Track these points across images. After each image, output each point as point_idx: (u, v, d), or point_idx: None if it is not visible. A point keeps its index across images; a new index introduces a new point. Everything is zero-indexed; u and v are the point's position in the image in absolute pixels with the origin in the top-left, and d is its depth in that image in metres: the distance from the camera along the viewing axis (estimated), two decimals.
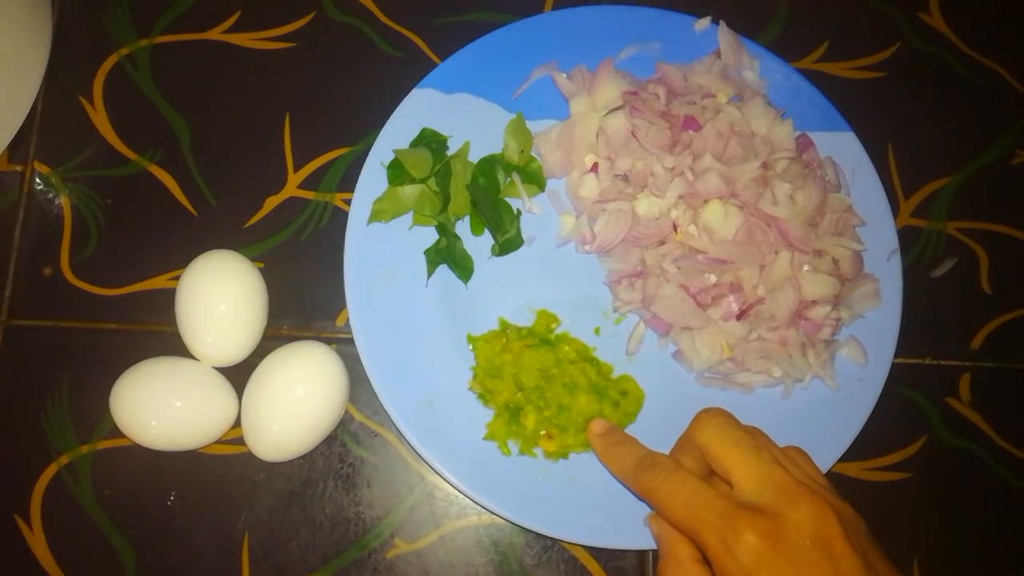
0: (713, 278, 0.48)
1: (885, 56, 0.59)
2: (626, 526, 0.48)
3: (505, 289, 0.52)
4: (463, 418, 0.49)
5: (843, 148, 0.53)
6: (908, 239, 0.55)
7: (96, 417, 0.51)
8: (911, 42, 0.59)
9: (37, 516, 0.49)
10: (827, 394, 0.50)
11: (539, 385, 0.50)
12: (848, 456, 0.50)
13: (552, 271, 0.52)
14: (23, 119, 0.54)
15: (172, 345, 0.51)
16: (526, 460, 0.49)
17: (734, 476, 0.38)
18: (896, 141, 0.57)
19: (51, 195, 0.54)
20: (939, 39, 0.60)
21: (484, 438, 0.49)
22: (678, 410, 0.50)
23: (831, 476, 0.49)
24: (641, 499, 0.41)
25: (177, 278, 0.52)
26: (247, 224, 0.54)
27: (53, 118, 0.55)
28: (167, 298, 0.52)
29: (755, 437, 0.40)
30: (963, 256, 0.56)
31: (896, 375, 0.51)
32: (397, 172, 0.50)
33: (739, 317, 0.48)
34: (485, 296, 0.52)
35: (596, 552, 0.50)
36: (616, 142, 0.50)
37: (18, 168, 0.54)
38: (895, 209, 0.54)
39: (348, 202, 0.54)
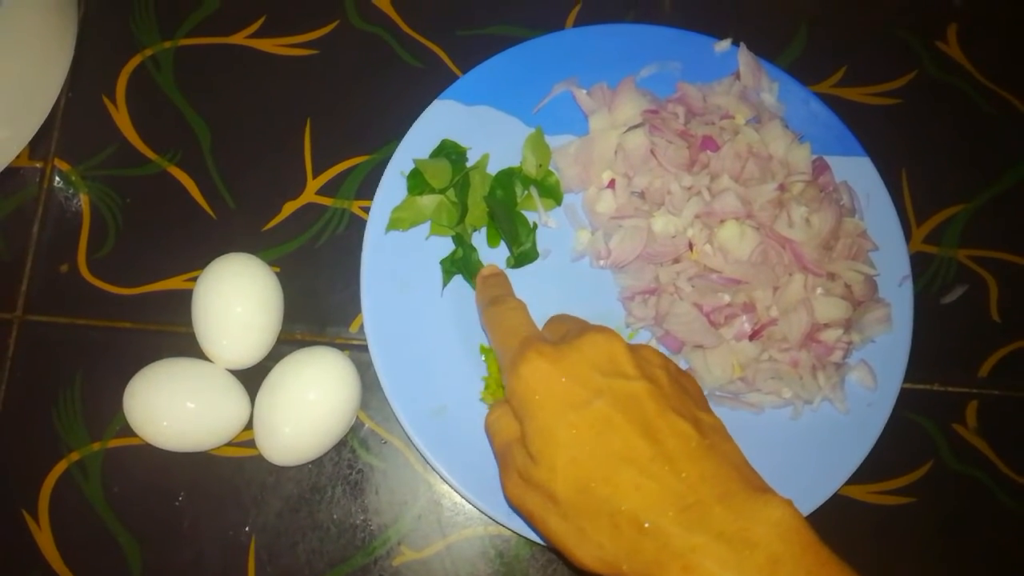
0: (727, 298, 0.49)
1: (902, 83, 0.60)
2: None
3: None
4: (473, 428, 0.49)
5: (858, 173, 0.54)
6: (919, 265, 0.56)
7: (108, 415, 0.51)
8: (928, 70, 0.60)
9: (45, 512, 0.50)
10: (836, 417, 0.50)
11: None
12: (854, 479, 0.50)
13: (566, 285, 0.53)
14: (46, 116, 0.55)
15: (186, 346, 0.51)
16: None
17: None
18: (910, 167, 0.58)
19: (70, 192, 0.54)
20: (956, 68, 0.60)
21: None
22: None
23: (836, 499, 0.49)
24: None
25: (194, 279, 0.52)
26: (265, 228, 0.54)
27: (75, 116, 0.55)
28: (183, 299, 0.52)
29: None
30: (973, 284, 0.56)
31: (903, 400, 0.51)
32: (417, 182, 0.51)
33: (751, 337, 0.48)
34: None
35: None
36: (635, 159, 0.51)
37: (39, 164, 0.55)
38: (907, 234, 0.54)
39: (366, 210, 0.54)
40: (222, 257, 0.50)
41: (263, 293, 0.49)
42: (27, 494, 0.50)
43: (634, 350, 0.38)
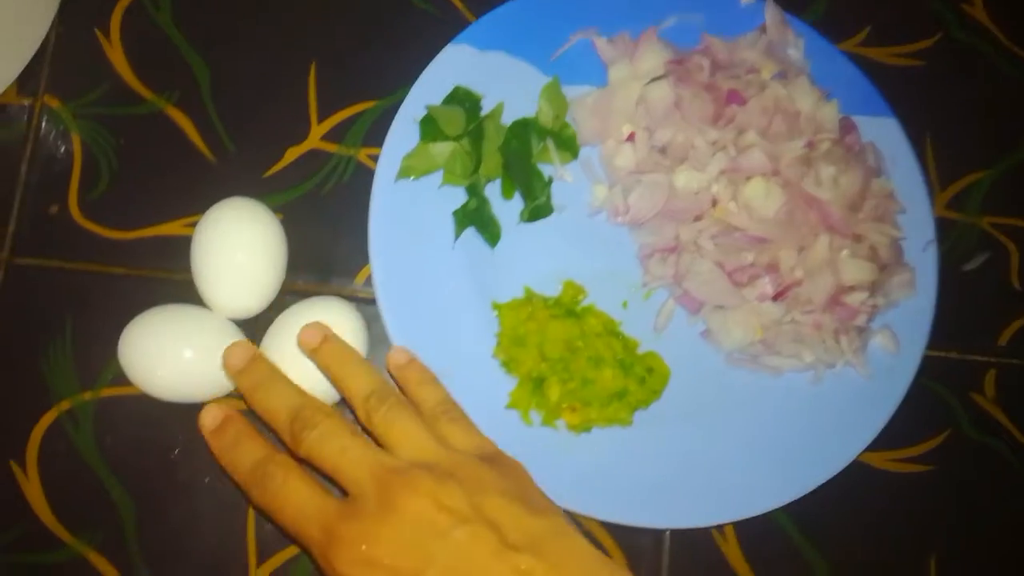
0: (750, 257, 0.47)
1: (926, 45, 0.58)
2: (646, 504, 0.47)
3: (532, 257, 0.50)
4: (485, 385, 0.48)
5: (884, 134, 0.52)
6: (941, 231, 0.54)
7: (100, 364, 0.48)
8: (953, 32, 0.58)
9: (34, 462, 0.47)
10: (857, 382, 0.49)
11: (563, 357, 0.48)
12: (871, 446, 0.49)
13: (581, 241, 0.51)
14: (35, 50, 0.52)
15: (183, 294, 0.48)
16: (547, 432, 0.48)
17: (337, 479, 0.37)
18: (933, 131, 0.56)
19: (61, 131, 0.51)
20: (981, 31, 0.59)
21: (507, 406, 0.48)
22: (704, 390, 0.49)
23: (853, 465, 0.48)
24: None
25: (191, 224, 0.49)
26: (266, 174, 0.52)
27: (66, 51, 0.52)
28: (180, 245, 0.50)
29: (347, 424, 0.38)
30: (995, 251, 0.55)
31: (922, 367, 0.50)
32: (429, 128, 0.49)
33: (775, 298, 0.47)
34: (511, 263, 0.50)
35: (612, 528, 0.49)
36: (657, 112, 0.49)
37: (27, 101, 0.52)
38: (930, 200, 0.53)
39: (373, 158, 0.52)
40: (225, 201, 0.47)
41: (267, 240, 0.47)
42: (15, 444, 0.48)
43: (444, 486, 0.35)
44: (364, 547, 0.34)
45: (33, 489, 0.47)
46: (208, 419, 0.40)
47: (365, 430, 0.40)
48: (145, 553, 0.47)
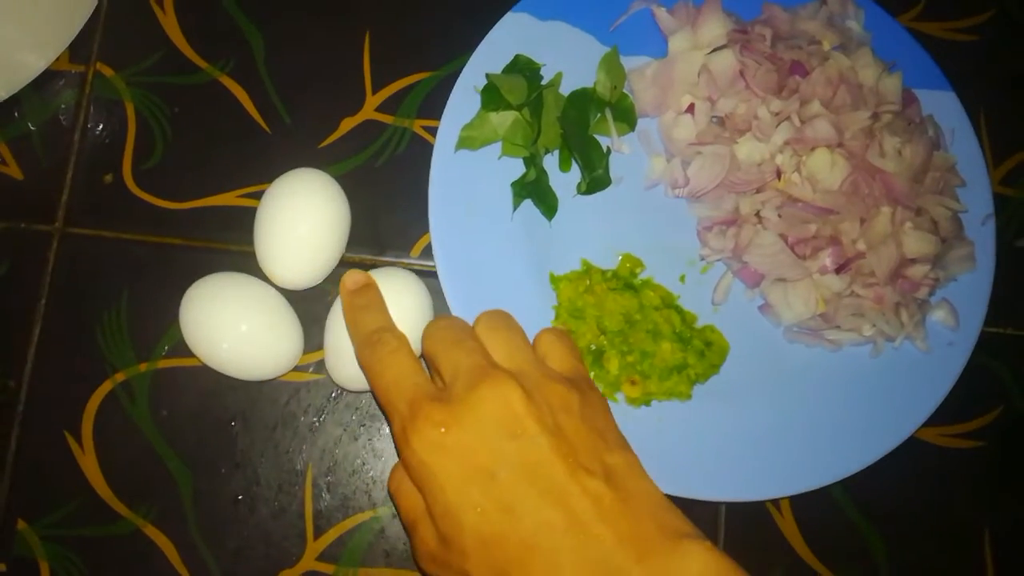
0: (813, 229, 0.47)
1: (981, 20, 0.57)
2: (703, 478, 0.47)
3: (589, 230, 0.50)
4: None
5: (942, 108, 0.52)
6: (994, 207, 0.54)
7: (156, 335, 0.48)
8: (1008, 7, 0.58)
9: (89, 434, 0.47)
10: (915, 356, 0.49)
11: (622, 330, 0.48)
12: (926, 421, 0.48)
13: (638, 214, 0.50)
14: (87, 17, 0.51)
15: (239, 264, 0.48)
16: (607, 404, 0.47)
17: (438, 371, 0.37)
18: (987, 107, 0.56)
19: (114, 99, 0.51)
20: None
21: None
22: (762, 364, 0.49)
23: (910, 440, 0.48)
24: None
25: (246, 196, 0.49)
26: (321, 145, 0.51)
27: (120, 18, 0.52)
28: (234, 216, 0.49)
29: (461, 329, 0.39)
30: None
31: (976, 342, 0.50)
32: (491, 96, 0.48)
33: (839, 271, 0.47)
34: (569, 235, 0.50)
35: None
36: (722, 82, 0.48)
37: (80, 68, 0.51)
38: (988, 174, 0.53)
39: (427, 129, 0.52)
40: (293, 171, 0.46)
41: (333, 213, 0.46)
42: (70, 415, 0.47)
43: (532, 396, 0.35)
44: (443, 430, 0.33)
45: (89, 462, 0.47)
46: (350, 280, 0.42)
47: None
48: (201, 526, 0.47)
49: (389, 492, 0.38)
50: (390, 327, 0.40)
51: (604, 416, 0.37)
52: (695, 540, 0.32)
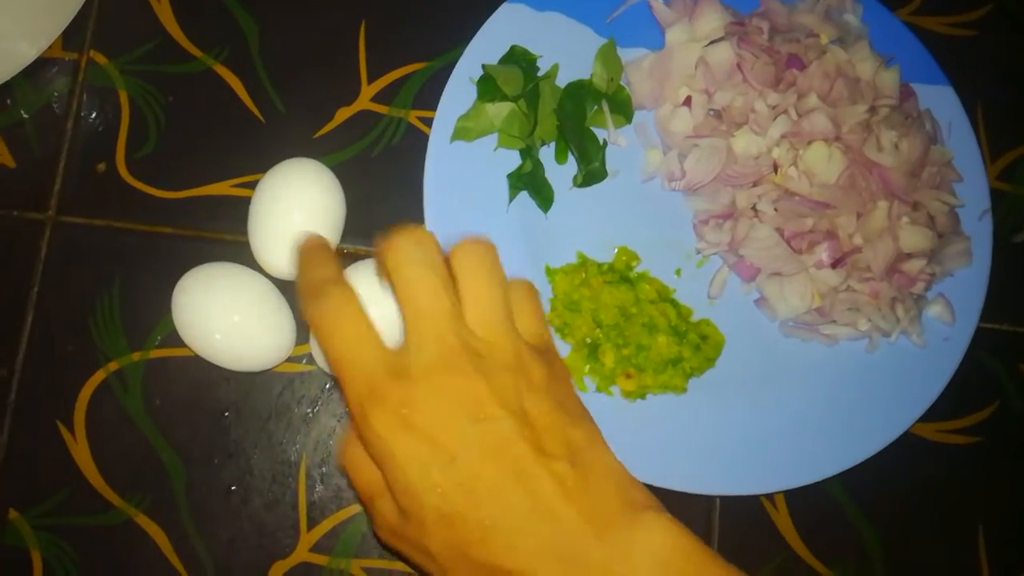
0: (810, 222, 0.47)
1: (978, 15, 0.57)
2: (697, 471, 0.47)
3: (585, 222, 0.50)
4: None
5: (940, 102, 0.52)
6: (991, 202, 0.54)
7: (149, 324, 0.48)
8: (1005, 3, 0.58)
9: (81, 423, 0.47)
10: (911, 351, 0.49)
11: (618, 323, 0.48)
12: (921, 416, 0.48)
13: (634, 207, 0.50)
14: (80, 4, 0.50)
15: (231, 254, 0.48)
16: (602, 397, 0.47)
17: (403, 322, 0.34)
18: (984, 103, 0.56)
19: (107, 87, 0.50)
20: None
21: None
22: (758, 358, 0.49)
23: (903, 436, 0.48)
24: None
25: (240, 185, 0.49)
26: (316, 135, 0.51)
27: (114, 6, 0.51)
28: (228, 205, 0.49)
29: (434, 272, 0.34)
30: None
31: (972, 338, 0.50)
32: (487, 87, 0.48)
33: (834, 265, 0.46)
34: (565, 228, 0.49)
35: (663, 494, 0.48)
36: (719, 74, 0.48)
37: (73, 56, 0.51)
38: (985, 169, 0.52)
39: (423, 120, 0.51)
40: (289, 161, 0.46)
41: (328, 203, 0.46)
42: (62, 405, 0.47)
43: (497, 377, 0.33)
44: (405, 411, 0.32)
45: (81, 451, 0.47)
46: (303, 239, 0.38)
47: None
48: (194, 517, 0.46)
49: (341, 466, 0.37)
50: (337, 278, 0.36)
51: (566, 386, 0.36)
52: (655, 512, 0.32)
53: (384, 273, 0.35)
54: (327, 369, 0.45)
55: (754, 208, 0.48)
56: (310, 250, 0.38)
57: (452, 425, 0.32)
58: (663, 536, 0.31)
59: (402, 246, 0.34)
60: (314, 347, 0.45)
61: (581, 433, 0.34)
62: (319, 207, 0.45)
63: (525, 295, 0.38)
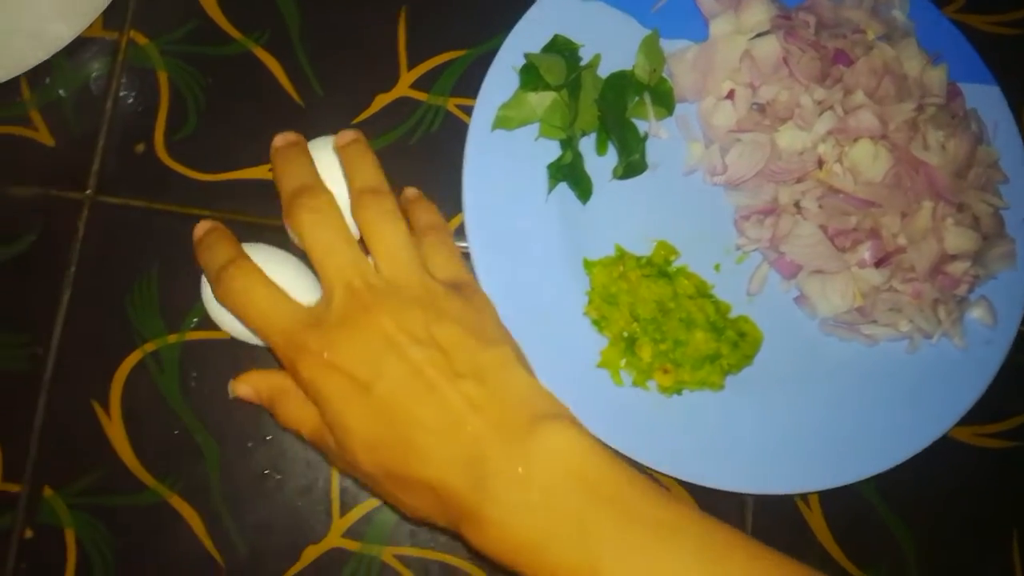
0: (854, 221, 0.46)
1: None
2: (732, 469, 0.46)
3: (624, 215, 0.49)
4: (575, 343, 0.47)
5: (986, 102, 0.51)
6: None
7: (186, 306, 0.48)
8: None
9: (117, 403, 0.47)
10: (951, 353, 0.48)
11: (655, 318, 0.47)
12: (960, 419, 0.48)
13: (674, 201, 0.50)
14: None
15: (269, 238, 0.47)
16: (638, 392, 0.47)
17: (320, 278, 0.38)
18: None
19: (147, 68, 0.50)
20: None
21: (597, 365, 0.47)
22: (796, 357, 0.49)
23: (942, 438, 0.47)
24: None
25: None
26: (355, 120, 0.50)
27: None
28: (266, 189, 0.48)
29: (335, 227, 0.38)
30: None
31: (1014, 341, 0.49)
32: (530, 76, 0.47)
33: (878, 265, 0.46)
34: (603, 220, 0.49)
35: (696, 491, 0.48)
36: (765, 68, 0.47)
37: (113, 35, 0.51)
38: None
39: (461, 108, 0.51)
40: (325, 137, 0.45)
41: None
42: (98, 385, 0.47)
43: (400, 312, 0.36)
44: (326, 354, 0.36)
45: (116, 431, 0.47)
46: (198, 229, 0.41)
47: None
48: (227, 499, 0.46)
49: (287, 423, 0.39)
50: (235, 258, 0.39)
51: (482, 315, 0.39)
52: (558, 420, 0.35)
53: (294, 236, 0.39)
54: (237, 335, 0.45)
55: (796, 205, 0.47)
56: (204, 235, 0.41)
57: (366, 360, 0.35)
58: (562, 437, 0.34)
59: (300, 214, 0.38)
60: (217, 316, 0.44)
61: (492, 355, 0.37)
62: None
63: (437, 240, 0.43)
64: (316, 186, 0.39)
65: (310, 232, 0.38)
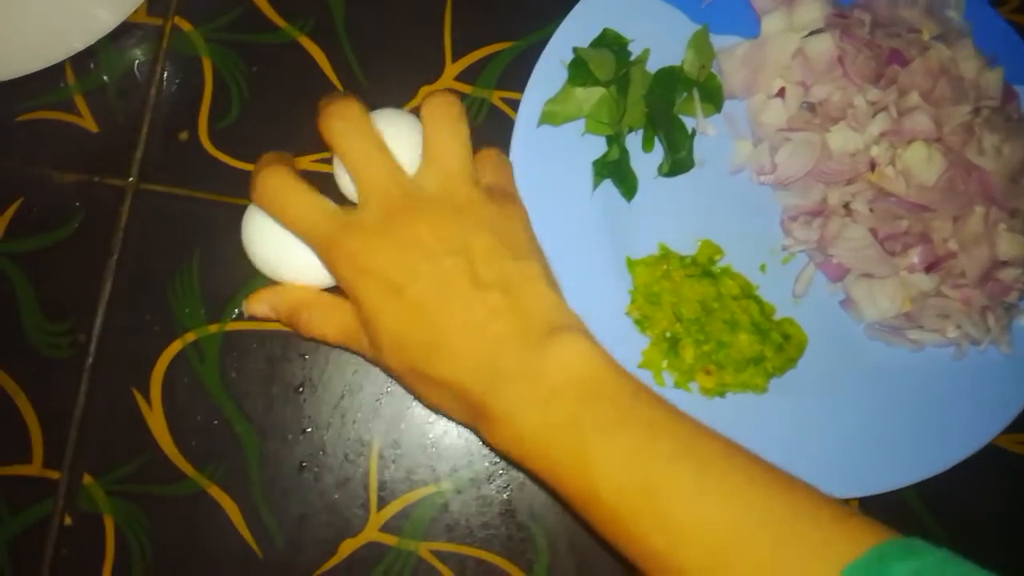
0: (905, 224, 0.45)
1: None
2: None
3: (669, 213, 0.49)
4: (617, 342, 0.46)
5: None
6: None
7: (227, 296, 0.48)
8: None
9: (157, 392, 0.47)
10: (998, 360, 0.48)
11: (699, 318, 0.47)
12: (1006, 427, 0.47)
13: (720, 200, 0.49)
14: None
15: None
16: (680, 394, 0.47)
17: (356, 186, 0.40)
18: None
19: (191, 55, 0.50)
20: None
21: (639, 366, 0.47)
22: (841, 361, 0.48)
23: (988, 446, 0.47)
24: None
25: (321, 160, 0.49)
26: None
27: None
28: (310, 181, 0.48)
29: (368, 139, 0.40)
30: None
31: None
32: (579, 71, 0.47)
33: (928, 270, 0.45)
34: (648, 218, 0.48)
35: None
36: (818, 67, 0.47)
37: (157, 21, 0.50)
38: None
39: (506, 101, 0.50)
40: (380, 111, 0.42)
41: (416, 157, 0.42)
42: (139, 373, 0.47)
43: (436, 219, 0.38)
44: (361, 258, 0.38)
45: (156, 419, 0.47)
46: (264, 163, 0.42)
47: None
48: (265, 491, 0.46)
49: (308, 337, 0.42)
50: (270, 162, 0.41)
51: (517, 227, 0.41)
52: (574, 332, 0.37)
53: (329, 148, 0.41)
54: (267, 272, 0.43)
55: (846, 207, 0.46)
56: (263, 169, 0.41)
57: (401, 265, 0.37)
58: (573, 348, 0.36)
59: (332, 124, 0.40)
60: (250, 247, 0.43)
61: (520, 267, 0.39)
62: (408, 161, 0.41)
63: (491, 153, 0.44)
64: (346, 97, 0.41)
65: (342, 140, 0.40)
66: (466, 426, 0.39)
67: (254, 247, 0.42)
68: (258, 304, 0.42)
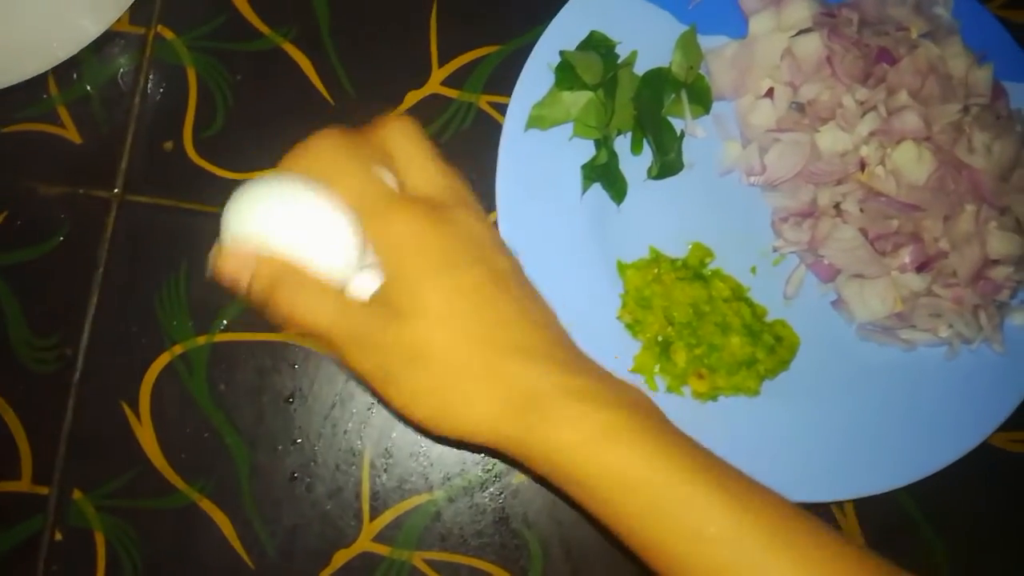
0: (895, 224, 0.45)
1: None
2: (767, 476, 0.45)
3: (658, 216, 0.48)
4: (609, 347, 0.46)
5: None
6: None
7: (215, 308, 0.47)
8: None
9: (146, 405, 0.46)
10: (991, 359, 0.47)
11: (690, 322, 0.47)
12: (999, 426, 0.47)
13: (710, 202, 0.49)
14: None
15: None
16: (673, 398, 0.46)
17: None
18: None
19: (175, 64, 0.50)
20: None
21: (631, 370, 0.46)
22: (833, 362, 0.48)
23: (982, 446, 0.46)
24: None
25: None
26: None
27: None
28: None
29: (364, 173, 0.36)
30: None
31: None
32: (566, 75, 0.46)
33: (919, 269, 0.45)
34: (638, 221, 0.48)
35: None
36: (807, 67, 0.46)
37: (140, 30, 0.50)
38: None
39: (493, 105, 0.50)
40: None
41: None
42: (127, 386, 0.47)
43: (455, 224, 0.35)
44: (424, 224, 0.34)
45: (145, 433, 0.46)
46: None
47: None
48: (257, 503, 0.46)
49: (291, 322, 0.35)
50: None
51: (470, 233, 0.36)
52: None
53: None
54: None
55: (836, 207, 0.46)
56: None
57: (465, 246, 0.34)
58: None
59: (323, 167, 0.36)
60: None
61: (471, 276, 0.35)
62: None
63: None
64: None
65: (342, 182, 0.36)
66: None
67: (256, 225, 0.36)
68: (232, 261, 0.35)
